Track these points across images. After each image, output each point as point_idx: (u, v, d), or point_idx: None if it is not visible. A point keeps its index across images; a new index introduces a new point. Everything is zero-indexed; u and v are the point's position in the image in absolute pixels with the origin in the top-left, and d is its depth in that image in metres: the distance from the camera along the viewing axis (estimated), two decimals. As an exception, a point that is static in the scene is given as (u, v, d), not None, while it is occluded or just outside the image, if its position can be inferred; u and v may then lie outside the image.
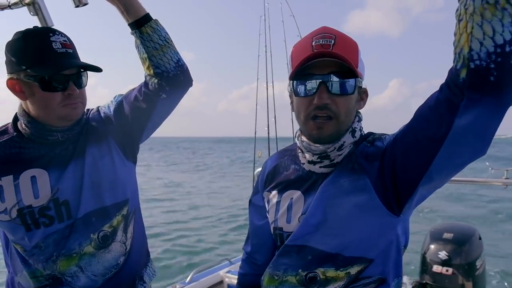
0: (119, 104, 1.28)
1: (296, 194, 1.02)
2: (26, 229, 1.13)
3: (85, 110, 1.26)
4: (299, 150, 1.05)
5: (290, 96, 1.04)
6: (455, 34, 0.73)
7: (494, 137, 0.79)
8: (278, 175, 1.11)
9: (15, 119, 1.19)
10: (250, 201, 1.22)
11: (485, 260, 2.42)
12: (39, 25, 1.38)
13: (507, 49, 0.68)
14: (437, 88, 0.81)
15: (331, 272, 0.95)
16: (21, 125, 1.17)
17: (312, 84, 0.93)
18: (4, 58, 1.12)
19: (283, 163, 1.12)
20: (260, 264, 1.18)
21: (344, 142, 0.97)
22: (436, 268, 2.33)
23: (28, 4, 1.39)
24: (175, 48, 1.27)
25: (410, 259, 2.41)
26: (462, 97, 0.73)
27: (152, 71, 1.23)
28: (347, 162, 0.97)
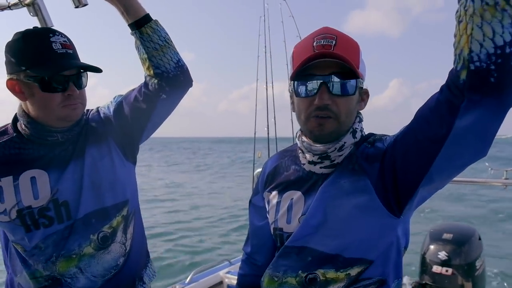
0: (119, 105, 1.28)
1: (296, 194, 1.02)
2: (26, 230, 1.13)
3: (85, 111, 1.26)
4: (300, 151, 1.05)
5: (291, 97, 1.03)
6: (455, 36, 0.73)
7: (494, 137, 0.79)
8: (279, 175, 1.11)
9: (15, 119, 1.19)
10: (250, 201, 1.22)
11: (484, 261, 2.42)
12: (39, 26, 1.38)
13: (507, 50, 0.68)
14: (437, 88, 0.81)
15: (331, 274, 0.95)
16: (21, 125, 1.16)
17: (313, 84, 0.93)
18: (4, 59, 1.12)
19: (284, 163, 1.12)
20: (260, 265, 1.18)
21: (344, 142, 0.97)
22: (436, 269, 2.34)
23: (28, 5, 1.39)
24: (175, 49, 1.26)
25: (411, 260, 2.41)
26: (463, 98, 0.73)
27: (152, 72, 1.23)
28: (348, 163, 0.97)
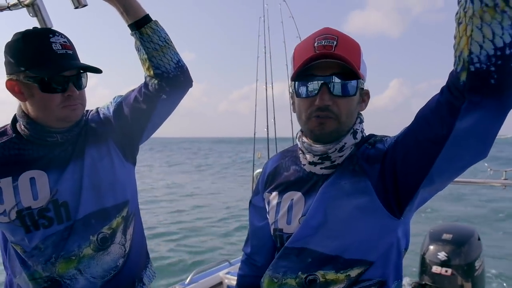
0: (119, 105, 1.28)
1: (297, 195, 1.02)
2: (26, 230, 1.13)
3: (84, 111, 1.26)
4: (300, 151, 1.04)
5: (292, 97, 1.03)
6: (455, 37, 0.73)
7: None
8: (279, 176, 1.11)
9: (14, 120, 1.19)
10: (250, 202, 1.22)
11: (484, 261, 2.42)
12: (39, 27, 1.38)
13: (507, 51, 0.68)
14: (438, 89, 0.81)
15: (331, 275, 0.95)
16: (20, 126, 1.16)
17: (314, 85, 0.93)
18: (4, 59, 1.12)
19: (284, 164, 1.12)
20: (259, 266, 1.18)
21: (345, 143, 0.97)
22: (435, 269, 2.34)
23: (27, 6, 1.38)
24: (175, 49, 1.26)
25: (411, 261, 2.42)
26: (463, 100, 0.73)
27: (152, 72, 1.23)
28: (348, 164, 0.97)
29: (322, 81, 0.92)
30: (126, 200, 1.26)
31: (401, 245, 0.97)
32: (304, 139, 1.01)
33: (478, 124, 0.74)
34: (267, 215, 1.11)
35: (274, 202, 1.07)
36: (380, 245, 0.94)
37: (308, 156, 1.01)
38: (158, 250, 7.29)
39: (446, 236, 2.42)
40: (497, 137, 0.80)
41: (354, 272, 0.94)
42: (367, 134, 1.03)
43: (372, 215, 0.92)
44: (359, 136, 0.99)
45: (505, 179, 2.49)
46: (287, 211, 1.03)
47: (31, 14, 1.40)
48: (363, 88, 0.99)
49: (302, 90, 0.96)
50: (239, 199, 12.46)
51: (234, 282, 2.58)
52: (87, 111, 1.30)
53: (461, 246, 2.35)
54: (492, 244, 6.63)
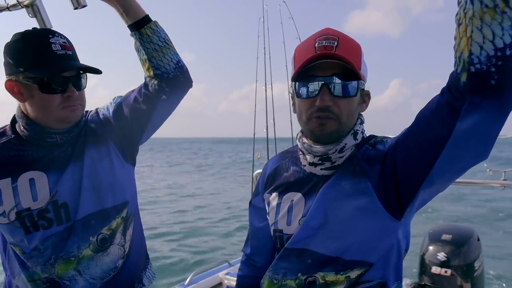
0: (118, 106, 1.28)
1: (297, 196, 1.02)
2: (25, 231, 1.12)
3: (84, 112, 1.26)
4: (300, 152, 1.04)
5: (292, 98, 1.03)
6: (455, 38, 0.73)
7: None
8: (279, 177, 1.10)
9: (13, 121, 1.19)
10: (250, 202, 1.21)
11: (483, 261, 2.42)
12: (38, 27, 1.38)
13: (508, 52, 0.68)
14: (438, 89, 0.80)
15: (330, 277, 0.94)
16: (20, 127, 1.16)
17: (314, 86, 0.93)
18: (3, 60, 1.11)
19: (284, 165, 1.11)
20: (259, 267, 1.17)
21: (345, 144, 0.97)
22: (435, 270, 2.34)
23: (26, 6, 1.38)
24: (175, 50, 1.26)
25: (411, 262, 2.42)
26: (464, 101, 0.73)
27: (152, 73, 1.23)
28: (349, 165, 0.97)
29: (323, 82, 0.92)
30: (125, 201, 1.26)
31: (401, 247, 0.97)
32: (305, 139, 1.01)
33: (479, 125, 0.74)
34: (267, 216, 1.11)
35: (274, 203, 1.07)
36: (380, 246, 0.94)
37: (308, 157, 1.00)
38: (160, 249, 7.34)
39: (445, 236, 2.42)
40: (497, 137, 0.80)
41: (354, 274, 0.94)
42: (367, 135, 1.03)
43: (373, 216, 0.92)
44: (359, 137, 0.99)
45: (504, 179, 2.49)
46: (287, 212, 1.02)
47: (30, 15, 1.39)
48: (363, 89, 0.99)
49: (303, 90, 0.95)
50: (240, 199, 12.47)
51: (233, 283, 2.58)
52: (87, 111, 1.29)
53: (461, 247, 2.35)
54: (492, 244, 6.64)
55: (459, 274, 2.30)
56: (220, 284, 2.80)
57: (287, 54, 4.30)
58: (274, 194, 1.09)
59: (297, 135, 1.06)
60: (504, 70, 0.69)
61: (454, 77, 0.75)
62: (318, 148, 0.98)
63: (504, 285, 5.12)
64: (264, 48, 4.53)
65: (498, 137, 0.80)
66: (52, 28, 1.34)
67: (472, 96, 0.72)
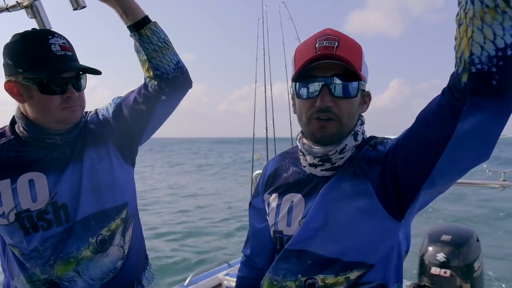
0: (118, 107, 1.28)
1: (297, 197, 1.02)
2: (25, 233, 1.12)
3: (83, 113, 1.26)
4: (300, 153, 1.04)
5: (292, 98, 1.03)
6: (455, 39, 0.73)
7: None
8: (279, 178, 1.10)
9: (13, 122, 1.18)
10: (250, 203, 1.21)
11: (483, 262, 2.42)
12: (37, 28, 1.37)
13: (509, 52, 0.67)
14: (438, 89, 0.80)
15: (330, 279, 0.94)
16: (19, 128, 1.15)
17: (315, 86, 0.93)
18: (2, 61, 1.11)
19: (284, 165, 1.11)
20: (259, 268, 1.17)
21: (346, 145, 0.96)
22: (434, 270, 2.34)
23: (26, 7, 1.38)
24: (174, 50, 1.26)
25: (410, 263, 2.42)
26: (465, 101, 0.73)
27: (151, 73, 1.23)
28: (349, 166, 0.96)
29: (323, 82, 0.91)
30: (125, 202, 1.26)
31: (401, 248, 0.96)
32: (305, 140, 1.01)
33: (480, 125, 0.74)
34: (267, 217, 1.11)
35: (274, 204, 1.07)
36: (380, 248, 0.94)
37: (308, 157, 1.00)
38: (162, 249, 7.38)
39: (445, 237, 2.42)
40: (498, 137, 0.79)
41: (353, 275, 0.93)
42: (367, 136, 1.03)
43: (373, 217, 0.91)
44: (360, 138, 0.99)
45: (503, 180, 2.49)
46: (287, 213, 1.02)
47: (29, 16, 1.39)
48: (364, 90, 0.98)
49: (303, 91, 0.95)
50: (240, 199, 12.47)
51: (233, 284, 2.57)
52: (86, 112, 1.29)
53: (460, 247, 2.35)
54: (492, 244, 6.64)
55: (459, 275, 2.30)
56: (220, 285, 2.80)
57: (287, 55, 4.30)
58: (274, 195, 1.08)
59: (297, 135, 1.05)
60: (505, 70, 0.68)
61: (455, 78, 0.74)
62: (318, 149, 0.97)
63: (503, 285, 5.12)
64: (264, 49, 4.53)
65: (499, 137, 0.80)
66: (51, 29, 1.34)
67: (473, 97, 0.72)
